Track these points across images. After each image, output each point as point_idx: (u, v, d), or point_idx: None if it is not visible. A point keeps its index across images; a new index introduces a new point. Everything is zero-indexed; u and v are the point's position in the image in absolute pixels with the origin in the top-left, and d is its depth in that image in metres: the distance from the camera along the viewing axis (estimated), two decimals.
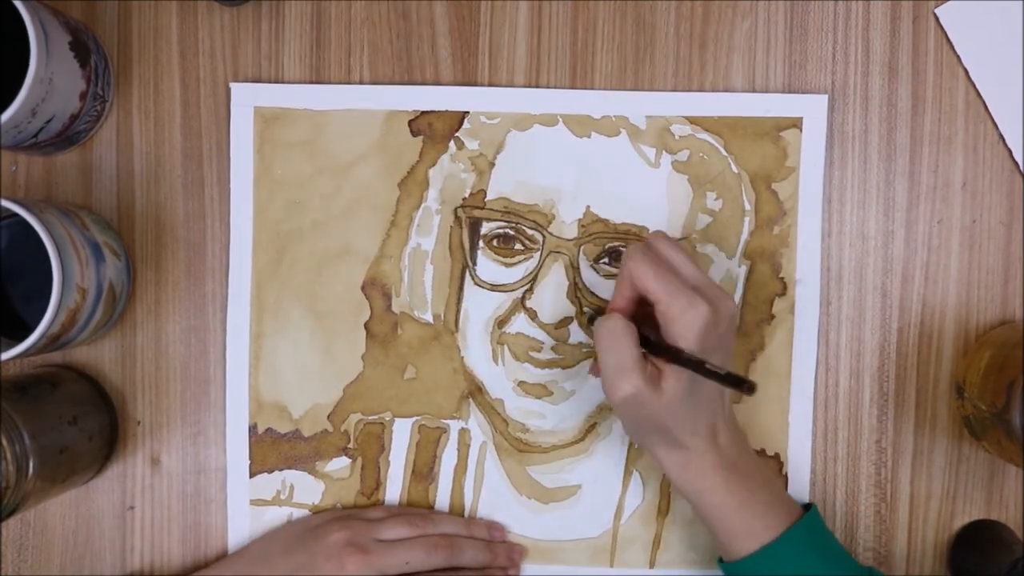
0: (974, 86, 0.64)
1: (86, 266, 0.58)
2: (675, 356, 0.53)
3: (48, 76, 0.56)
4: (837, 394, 0.65)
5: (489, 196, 0.65)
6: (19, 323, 0.60)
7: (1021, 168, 0.64)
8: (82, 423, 0.62)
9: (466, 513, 0.65)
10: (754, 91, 0.64)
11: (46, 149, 0.63)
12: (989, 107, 0.64)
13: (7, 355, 0.55)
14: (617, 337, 0.54)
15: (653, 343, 0.54)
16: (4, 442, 0.55)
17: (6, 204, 0.55)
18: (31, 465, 0.56)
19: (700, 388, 0.54)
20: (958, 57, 0.64)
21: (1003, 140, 0.64)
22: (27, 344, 0.55)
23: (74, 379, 0.64)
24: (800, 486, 0.65)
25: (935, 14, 0.64)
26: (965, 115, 0.64)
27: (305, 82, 0.65)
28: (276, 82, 0.65)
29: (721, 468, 0.55)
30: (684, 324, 0.53)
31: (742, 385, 0.50)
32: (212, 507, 0.66)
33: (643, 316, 0.56)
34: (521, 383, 0.65)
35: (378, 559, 0.59)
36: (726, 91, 0.64)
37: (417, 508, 0.65)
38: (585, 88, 0.65)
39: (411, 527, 0.62)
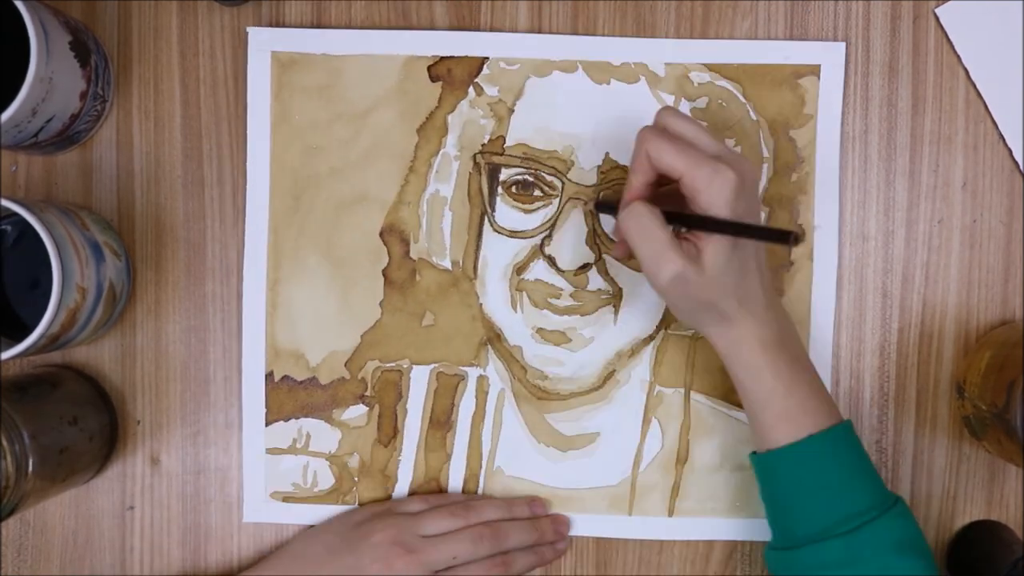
0: (974, 86, 0.64)
1: (86, 266, 0.58)
2: (713, 225, 0.52)
3: (48, 76, 0.56)
4: (837, 394, 0.65)
5: (508, 142, 0.64)
6: (19, 323, 0.60)
7: (1021, 168, 0.64)
8: (82, 423, 0.61)
9: (483, 460, 0.65)
10: None
11: (46, 149, 0.63)
12: (989, 107, 0.64)
13: (7, 355, 0.55)
14: (645, 223, 0.53)
15: (686, 217, 0.53)
16: (4, 442, 0.55)
17: (6, 204, 0.55)
18: (31, 465, 0.56)
19: (740, 256, 0.53)
20: (958, 57, 0.64)
21: (1003, 140, 0.64)
22: (27, 344, 0.55)
23: (74, 379, 0.64)
24: None
25: (935, 14, 0.64)
26: (965, 115, 0.64)
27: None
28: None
29: (771, 346, 0.55)
30: (712, 193, 0.52)
31: (787, 237, 0.48)
32: (212, 507, 0.66)
33: (661, 197, 0.55)
34: (540, 330, 0.65)
35: (425, 556, 0.59)
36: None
37: (455, 495, 0.65)
38: None
39: (453, 518, 0.61)
